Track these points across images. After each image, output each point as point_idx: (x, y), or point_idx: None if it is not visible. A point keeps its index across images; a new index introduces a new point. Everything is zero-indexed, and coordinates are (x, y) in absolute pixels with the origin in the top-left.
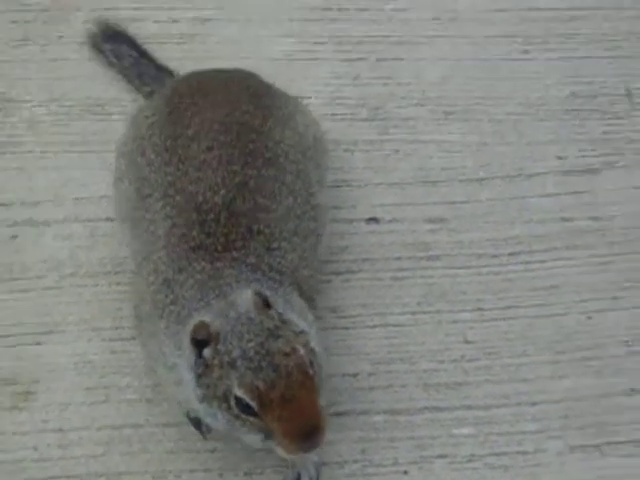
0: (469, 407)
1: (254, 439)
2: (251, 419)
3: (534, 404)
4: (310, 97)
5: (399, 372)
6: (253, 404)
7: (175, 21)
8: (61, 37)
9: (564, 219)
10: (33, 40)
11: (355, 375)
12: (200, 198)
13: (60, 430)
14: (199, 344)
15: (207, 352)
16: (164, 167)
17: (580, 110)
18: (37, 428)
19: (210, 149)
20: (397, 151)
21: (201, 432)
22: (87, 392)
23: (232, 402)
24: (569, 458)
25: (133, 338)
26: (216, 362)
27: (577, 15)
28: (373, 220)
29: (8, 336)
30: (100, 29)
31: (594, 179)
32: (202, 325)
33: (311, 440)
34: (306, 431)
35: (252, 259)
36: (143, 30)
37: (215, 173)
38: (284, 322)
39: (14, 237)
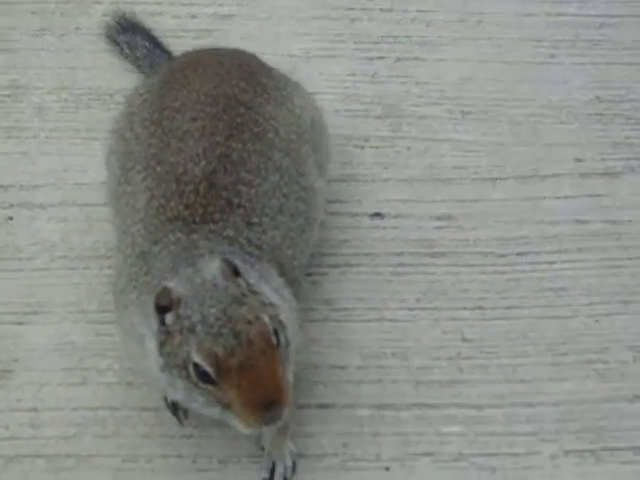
0: (460, 405)
1: (213, 411)
2: (209, 388)
3: (530, 405)
4: (325, 93)
5: (390, 367)
6: (211, 371)
7: (194, 16)
8: (78, 29)
9: (578, 221)
10: (51, 31)
11: (343, 368)
12: (180, 169)
13: (34, 410)
14: (162, 310)
15: (169, 318)
16: (149, 139)
17: (603, 114)
18: (11, 407)
19: (194, 120)
20: (409, 148)
21: (178, 417)
22: (66, 373)
23: (190, 369)
24: (562, 462)
25: None
26: (177, 328)
27: (607, 22)
28: (377, 215)
29: None
30: (116, 21)
31: (614, 182)
32: (165, 291)
33: (270, 412)
34: (265, 402)
35: (230, 232)
36: (161, 24)
37: (197, 144)
38: (253, 292)
39: (9, 219)
